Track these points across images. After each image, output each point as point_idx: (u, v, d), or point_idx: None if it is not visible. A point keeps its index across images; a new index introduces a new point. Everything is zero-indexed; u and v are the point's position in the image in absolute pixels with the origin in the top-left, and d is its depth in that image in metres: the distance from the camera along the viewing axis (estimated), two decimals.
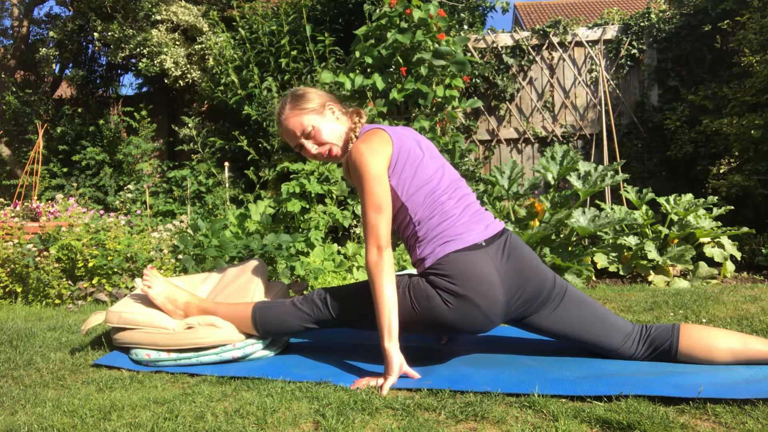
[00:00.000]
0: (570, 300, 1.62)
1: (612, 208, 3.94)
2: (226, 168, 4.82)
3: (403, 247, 3.49)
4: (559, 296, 1.62)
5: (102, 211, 4.05)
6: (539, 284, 1.59)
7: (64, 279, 3.26)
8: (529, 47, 5.48)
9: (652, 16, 5.38)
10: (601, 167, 3.63)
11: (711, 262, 3.66)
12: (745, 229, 3.63)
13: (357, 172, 1.59)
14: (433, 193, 1.61)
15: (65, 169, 5.63)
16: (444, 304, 1.52)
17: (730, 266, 3.60)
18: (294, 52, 4.83)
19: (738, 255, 3.72)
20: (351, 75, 4.13)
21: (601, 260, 3.61)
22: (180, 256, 3.34)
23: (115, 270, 3.25)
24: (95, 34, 5.77)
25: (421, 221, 1.60)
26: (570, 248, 3.34)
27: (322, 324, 1.69)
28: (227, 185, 4.79)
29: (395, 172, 1.61)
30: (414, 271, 1.69)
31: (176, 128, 5.71)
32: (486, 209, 1.73)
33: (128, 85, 26.15)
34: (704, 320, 2.12)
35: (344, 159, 1.74)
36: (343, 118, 1.77)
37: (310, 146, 1.73)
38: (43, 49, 6.14)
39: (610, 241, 3.72)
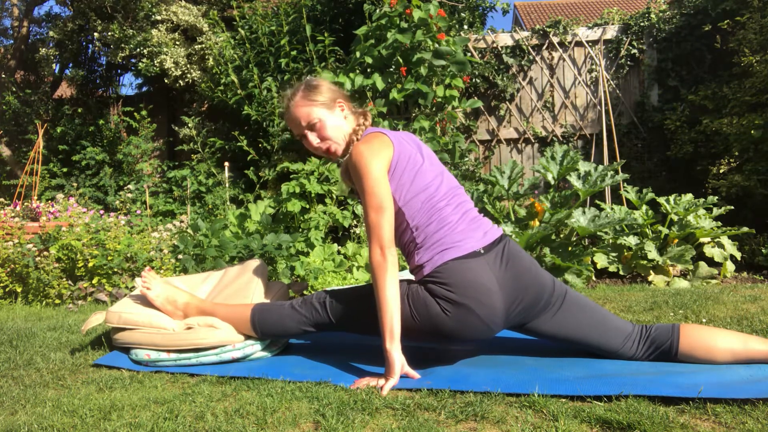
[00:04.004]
0: (570, 304, 1.62)
1: (612, 208, 3.94)
2: (226, 168, 4.82)
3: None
4: (559, 301, 1.61)
5: (102, 211, 4.05)
6: (538, 290, 1.58)
7: (64, 279, 3.26)
8: (529, 47, 5.48)
9: (652, 16, 5.38)
10: (601, 167, 3.63)
11: (711, 262, 3.66)
12: (745, 229, 3.64)
13: (357, 173, 1.58)
14: (431, 199, 1.61)
15: (65, 169, 5.63)
16: (443, 313, 1.51)
17: (730, 266, 3.60)
18: (294, 52, 4.83)
19: (738, 255, 3.72)
20: (351, 75, 4.14)
21: (601, 260, 3.61)
22: (180, 256, 3.34)
23: (115, 270, 3.25)
24: (95, 34, 5.77)
25: (419, 227, 1.59)
26: (570, 248, 3.34)
27: (321, 327, 1.69)
28: (227, 185, 4.79)
29: (394, 176, 1.61)
30: (412, 276, 1.69)
31: (176, 128, 5.71)
32: (484, 215, 1.72)
33: (128, 85, 26.14)
34: (704, 320, 2.12)
35: (344, 160, 1.74)
36: (350, 118, 1.78)
37: (312, 138, 1.74)
38: (43, 49, 6.14)
39: (610, 241, 3.72)
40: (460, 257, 1.53)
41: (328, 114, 1.73)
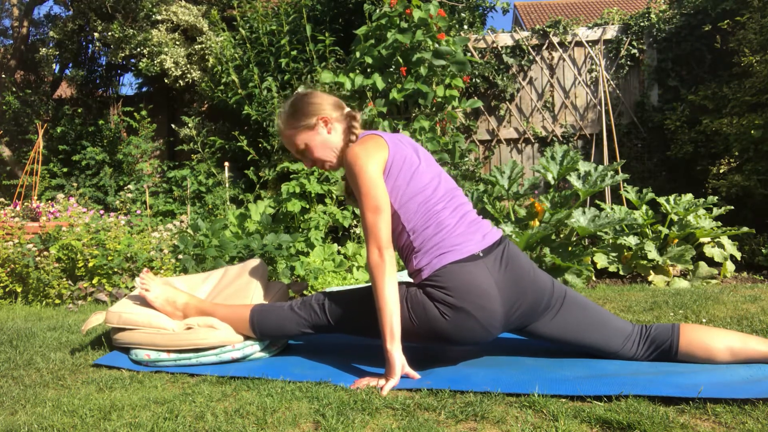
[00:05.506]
0: (569, 306, 1.61)
1: (612, 208, 3.94)
2: (226, 168, 4.81)
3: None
4: (559, 303, 1.61)
5: (102, 211, 4.05)
6: (538, 293, 1.57)
7: (64, 279, 3.26)
8: (529, 47, 5.48)
9: (652, 16, 5.38)
10: (601, 167, 3.63)
11: (711, 262, 3.66)
12: (745, 229, 3.64)
13: (353, 174, 1.58)
14: (428, 201, 1.59)
15: (65, 169, 5.63)
16: (441, 317, 1.50)
17: (730, 266, 3.60)
18: (294, 52, 4.83)
19: (738, 255, 3.72)
20: (351, 75, 4.14)
21: (601, 260, 3.61)
22: (180, 256, 3.34)
23: (115, 270, 3.25)
24: (95, 34, 5.77)
25: (416, 230, 1.57)
26: (570, 248, 3.34)
27: (319, 329, 1.69)
28: (227, 185, 4.78)
29: (390, 177, 1.60)
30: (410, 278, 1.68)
31: (176, 128, 5.71)
32: (484, 216, 1.71)
33: (128, 85, 26.19)
34: (704, 320, 2.12)
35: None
36: (338, 127, 1.74)
37: (305, 162, 1.78)
38: (43, 49, 6.14)
39: (610, 241, 3.72)
40: (458, 261, 1.52)
41: (312, 135, 1.72)
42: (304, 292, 2.93)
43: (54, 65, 6.53)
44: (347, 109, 1.78)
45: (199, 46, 5.52)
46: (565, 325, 1.60)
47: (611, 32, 5.46)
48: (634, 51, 5.42)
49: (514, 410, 1.27)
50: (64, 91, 7.36)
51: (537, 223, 3.59)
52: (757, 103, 4.50)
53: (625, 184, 4.82)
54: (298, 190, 3.78)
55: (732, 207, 3.93)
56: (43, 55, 6.12)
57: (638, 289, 3.03)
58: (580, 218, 3.46)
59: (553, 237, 3.51)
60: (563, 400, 1.32)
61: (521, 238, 3.21)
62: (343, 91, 4.13)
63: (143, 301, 1.89)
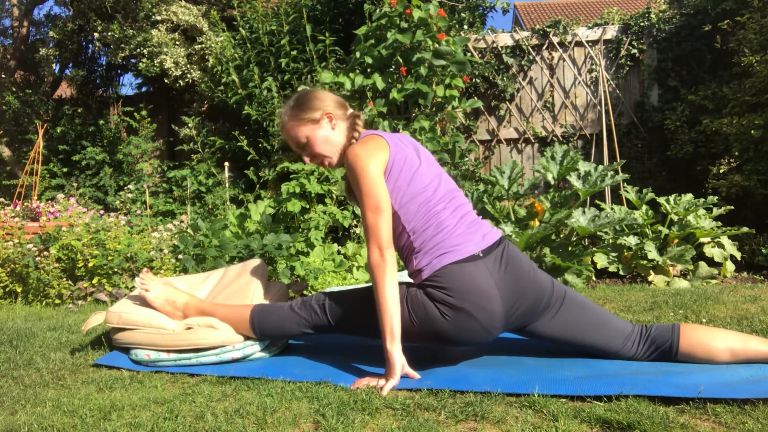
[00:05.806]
0: (569, 305, 1.61)
1: (612, 208, 3.94)
2: (226, 168, 4.81)
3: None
4: (558, 302, 1.61)
5: (102, 211, 4.05)
6: (538, 293, 1.57)
7: (64, 279, 3.26)
8: (529, 47, 5.48)
9: (652, 16, 5.38)
10: (601, 167, 3.63)
11: (711, 262, 3.66)
12: (745, 229, 3.64)
13: (354, 174, 1.58)
14: (428, 202, 1.59)
15: (65, 169, 5.63)
16: (442, 317, 1.50)
17: (730, 266, 3.61)
18: (294, 52, 4.83)
19: (738, 255, 3.72)
20: (351, 75, 4.14)
21: (601, 260, 3.61)
22: (180, 256, 3.34)
23: (115, 270, 3.25)
24: (95, 34, 5.78)
25: (416, 231, 1.58)
26: (570, 248, 3.34)
27: (320, 330, 1.69)
28: (227, 185, 4.78)
29: (390, 178, 1.60)
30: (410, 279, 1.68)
31: (176, 128, 5.71)
32: (484, 216, 1.71)
33: (128, 85, 26.21)
34: (704, 320, 2.12)
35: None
36: (341, 125, 1.74)
37: (305, 157, 1.77)
38: (43, 49, 6.15)
39: (610, 241, 3.72)
40: (459, 261, 1.52)
41: (316, 130, 1.71)
42: (304, 292, 2.93)
43: (54, 65, 6.53)
44: (350, 110, 1.79)
45: (199, 46, 5.52)
46: (565, 325, 1.60)
47: (611, 32, 5.46)
48: (634, 51, 5.42)
49: (514, 410, 1.27)
50: (64, 91, 7.36)
51: (537, 223, 3.59)
52: (757, 103, 4.50)
53: (625, 184, 4.82)
54: (298, 190, 3.78)
55: (732, 207, 3.93)
56: (43, 55, 6.12)
57: (638, 289, 3.03)
58: (580, 218, 3.46)
59: (553, 237, 3.51)
60: (563, 400, 1.32)
61: (521, 238, 3.21)
62: (343, 91, 4.13)
63: (143, 301, 1.89)
